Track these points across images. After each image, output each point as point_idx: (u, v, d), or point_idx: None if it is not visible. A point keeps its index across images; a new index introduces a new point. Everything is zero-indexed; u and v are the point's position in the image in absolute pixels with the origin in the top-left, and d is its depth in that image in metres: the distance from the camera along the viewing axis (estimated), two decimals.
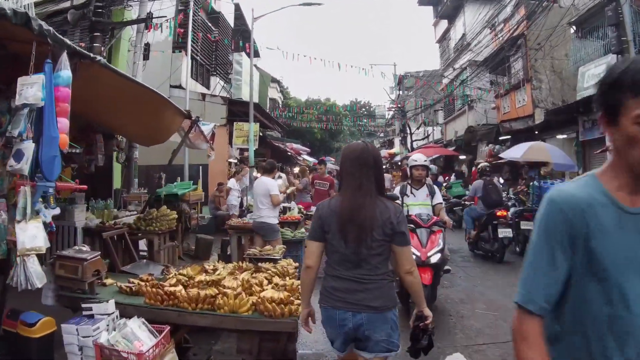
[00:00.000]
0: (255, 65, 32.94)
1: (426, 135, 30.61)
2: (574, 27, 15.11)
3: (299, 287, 3.23)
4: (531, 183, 11.35)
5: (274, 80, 34.46)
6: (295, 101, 40.42)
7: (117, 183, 10.56)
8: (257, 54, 29.79)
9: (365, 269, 2.58)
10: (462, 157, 22.05)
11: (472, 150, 20.63)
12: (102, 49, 10.27)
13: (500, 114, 19.27)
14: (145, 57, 10.28)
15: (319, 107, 37.17)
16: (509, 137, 17.00)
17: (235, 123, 13.60)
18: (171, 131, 6.77)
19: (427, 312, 2.72)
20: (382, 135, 52.77)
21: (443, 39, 27.75)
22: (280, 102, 36.65)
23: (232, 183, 12.13)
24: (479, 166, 11.32)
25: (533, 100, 16.94)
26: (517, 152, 11.48)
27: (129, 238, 6.07)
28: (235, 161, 15.13)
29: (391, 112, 35.03)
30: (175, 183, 9.34)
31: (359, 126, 49.35)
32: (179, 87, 14.04)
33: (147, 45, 10.44)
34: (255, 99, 15.41)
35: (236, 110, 13.90)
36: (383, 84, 46.12)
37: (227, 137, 13.65)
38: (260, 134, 19.49)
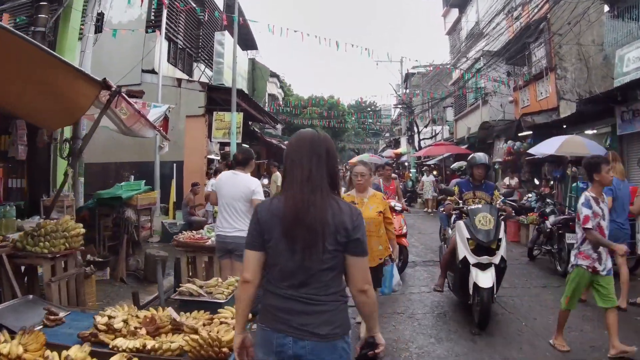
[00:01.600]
0: (253, 59, 31.62)
1: (433, 134, 28.80)
2: (608, 5, 13.23)
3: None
4: (574, 184, 9.50)
5: (273, 75, 32.57)
6: (297, 98, 38.52)
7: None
8: (252, 45, 28.10)
9: (313, 287, 2.06)
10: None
11: (487, 149, 18.70)
12: (48, 19, 8.44)
13: (519, 108, 17.47)
14: (98, 29, 8.37)
15: (322, 105, 35.14)
16: (529, 132, 15.08)
17: (215, 113, 11.70)
18: (80, 106, 4.84)
19: (380, 338, 2.23)
20: (387, 135, 51.08)
21: (453, 29, 25.95)
22: (281, 98, 34.77)
23: (211, 184, 10.18)
24: (452, 166, 11.54)
25: (558, 92, 15.19)
26: (549, 147, 9.73)
27: (7, 262, 4.14)
28: (218, 158, 13.22)
29: (397, 109, 33.12)
30: (123, 183, 7.42)
31: (363, 125, 47.79)
32: (152, 71, 12.16)
33: (100, 15, 8.55)
34: (242, 86, 13.47)
35: (217, 98, 12.00)
36: (389, 79, 44.22)
37: (205, 129, 11.77)
38: (255, 130, 17.57)
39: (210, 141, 11.73)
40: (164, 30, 11.58)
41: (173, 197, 11.65)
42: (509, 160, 16.00)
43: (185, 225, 10.57)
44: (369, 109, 50.69)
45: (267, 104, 28.45)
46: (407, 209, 8.72)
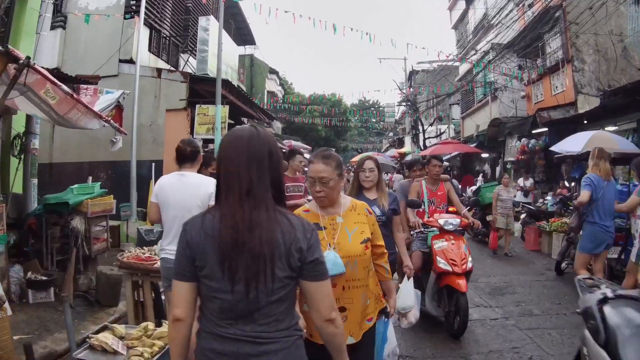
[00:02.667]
0: (251, 55, 30.50)
1: (438, 133, 27.60)
2: None
3: None
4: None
5: (272, 71, 31.38)
6: (298, 97, 37.32)
7: (17, 187, 7.39)
8: (250, 40, 26.95)
9: (261, 324, 1.68)
10: (485, 155, 18.92)
11: (497, 147, 17.53)
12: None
13: (532, 103, 16.31)
14: (57, 8, 7.21)
15: (324, 104, 33.91)
16: (544, 129, 13.89)
17: (198, 106, 10.50)
18: None
19: None
20: (391, 134, 49.96)
21: (460, 22, 24.74)
22: (281, 96, 33.57)
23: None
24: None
25: (575, 85, 14.06)
26: (576, 144, 8.61)
27: None
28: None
29: (401, 107, 31.88)
30: (76, 185, 6.23)
31: (366, 124, 46.82)
32: (131, 61, 11.00)
33: None
34: (233, 80, 12.26)
35: (201, 90, 10.81)
36: (392, 77, 43.13)
37: (187, 124, 10.59)
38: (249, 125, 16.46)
39: (193, 138, 10.55)
40: (142, 16, 10.40)
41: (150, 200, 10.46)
42: (522, 159, 14.81)
43: (162, 233, 9.40)
44: (372, 108, 49.62)
45: (265, 101, 27.26)
46: (474, 225, 5.90)
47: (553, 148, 9.72)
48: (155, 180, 10.26)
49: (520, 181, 13.40)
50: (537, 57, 16.44)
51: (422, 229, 5.24)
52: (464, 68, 22.64)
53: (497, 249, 9.78)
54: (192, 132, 10.51)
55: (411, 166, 6.95)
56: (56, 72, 5.91)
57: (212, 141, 10.53)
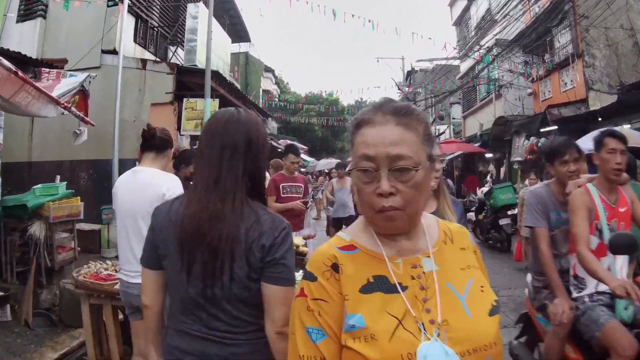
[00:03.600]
0: (246, 53, 29.70)
1: (437, 133, 26.85)
2: None
3: None
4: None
5: (268, 70, 30.59)
6: (294, 96, 36.55)
7: None
8: (245, 37, 26.14)
9: (227, 324, 1.54)
10: (488, 155, 18.19)
11: (502, 146, 16.79)
12: None
13: (539, 100, 15.61)
14: None
15: (320, 103, 33.11)
16: (553, 128, 13.20)
17: (185, 100, 9.69)
18: None
19: None
20: None
21: (461, 19, 23.99)
22: (277, 95, 32.77)
23: (177, 187, 8.19)
24: None
25: (586, 81, 13.45)
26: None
27: None
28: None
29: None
30: (39, 186, 5.41)
31: None
32: (114, 52, 10.20)
33: None
34: (224, 72, 11.44)
35: (189, 83, 9.98)
36: (390, 76, 42.36)
37: (174, 119, 9.75)
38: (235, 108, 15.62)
39: (180, 134, 9.74)
40: (126, 3, 9.57)
41: None
42: (530, 159, 14.10)
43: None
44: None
45: (260, 100, 26.48)
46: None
47: None
48: None
49: (528, 182, 12.62)
50: (544, 52, 15.79)
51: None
52: (465, 66, 22.01)
53: (522, 261, 8.11)
54: (178, 128, 9.70)
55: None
56: (14, 53, 5.10)
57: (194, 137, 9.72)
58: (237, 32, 24.73)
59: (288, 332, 1.21)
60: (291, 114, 32.25)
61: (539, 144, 13.21)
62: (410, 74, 32.29)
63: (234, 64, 28.07)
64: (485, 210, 10.02)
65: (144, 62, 10.27)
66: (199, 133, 9.47)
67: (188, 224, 1.53)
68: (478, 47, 17.33)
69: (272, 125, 31.74)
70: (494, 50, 17.14)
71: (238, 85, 23.90)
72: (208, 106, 9.00)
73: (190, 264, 1.52)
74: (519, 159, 14.64)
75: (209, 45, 9.34)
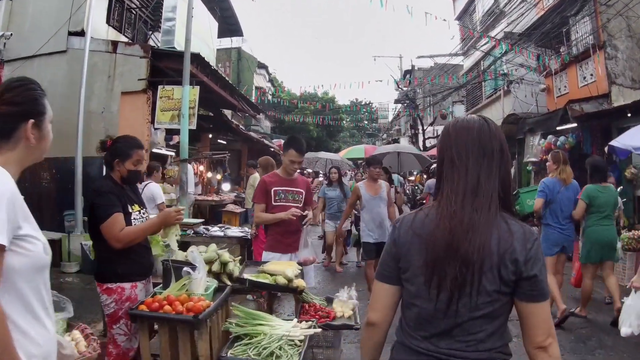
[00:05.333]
0: (238, 49, 28.40)
1: (436, 134, 25.64)
2: None
3: None
4: None
5: (261, 66, 29.28)
6: (288, 95, 35.23)
7: None
8: (237, 32, 24.83)
9: (459, 341, 1.51)
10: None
11: (511, 146, 15.54)
12: None
13: (553, 96, 14.40)
14: None
15: (315, 102, 31.80)
16: (569, 126, 12.00)
17: (160, 87, 8.36)
18: None
19: None
20: (385, 136, 48.28)
21: (465, 12, 22.78)
22: (270, 93, 31.45)
23: (154, 191, 6.75)
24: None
25: (609, 74, 12.21)
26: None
27: None
28: (172, 153, 9.77)
29: (398, 106, 29.92)
30: None
31: (360, 124, 45.31)
32: (82, 33, 8.87)
33: None
34: (210, 60, 10.07)
35: (166, 68, 8.64)
36: (388, 77, 41.31)
37: (147, 110, 8.43)
38: (231, 121, 14.20)
39: (154, 127, 8.41)
40: None
41: None
42: (546, 160, 12.83)
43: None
44: (364, 111, 47.87)
45: (253, 98, 25.18)
46: None
47: (614, 143, 7.66)
48: None
49: None
50: (559, 45, 14.58)
51: None
52: (469, 63, 20.87)
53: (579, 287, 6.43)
54: (152, 120, 8.36)
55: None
56: None
57: (177, 132, 8.35)
58: (229, 25, 23.41)
59: (549, 345, 1.50)
60: (285, 112, 30.98)
61: (559, 143, 11.98)
62: (408, 72, 31.18)
63: (225, 58, 26.86)
64: None
65: (114, 44, 8.93)
66: (176, 126, 8.17)
67: (441, 238, 1.51)
68: (486, 39, 16.05)
69: (266, 125, 30.46)
70: (503, 44, 16.03)
71: (226, 76, 22.64)
72: (187, 94, 7.68)
73: (440, 277, 1.50)
74: (533, 159, 13.41)
75: (189, 24, 8.01)
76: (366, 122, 49.56)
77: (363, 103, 49.18)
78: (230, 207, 10.16)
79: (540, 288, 1.49)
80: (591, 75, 12.79)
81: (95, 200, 2.99)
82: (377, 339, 1.66)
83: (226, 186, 12.48)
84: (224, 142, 15.33)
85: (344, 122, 43.29)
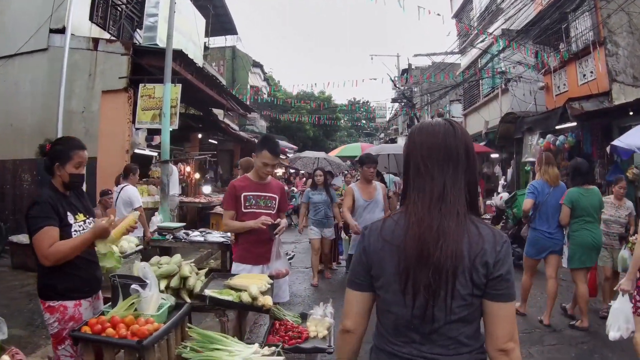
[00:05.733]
0: (233, 47, 28.02)
1: None
2: None
3: None
4: None
5: (256, 65, 28.90)
6: (284, 94, 34.81)
7: None
8: (232, 30, 24.46)
9: (440, 345, 1.53)
10: (494, 155, 16.64)
11: (509, 146, 15.25)
12: None
13: (552, 95, 14.06)
14: None
15: (310, 101, 31.39)
16: (568, 125, 11.68)
17: (141, 86, 8.01)
18: None
19: None
20: (382, 136, 47.92)
21: (462, 10, 22.46)
22: (266, 92, 31.09)
23: (131, 194, 6.42)
24: None
25: (609, 71, 11.88)
26: None
27: None
28: (156, 154, 9.39)
29: (395, 105, 29.58)
30: None
31: (357, 124, 44.99)
32: (63, 31, 8.55)
33: None
34: (196, 58, 9.72)
35: (148, 66, 8.29)
36: (385, 77, 40.96)
37: (128, 109, 8.09)
38: (220, 120, 13.84)
39: (135, 127, 8.06)
40: None
41: None
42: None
43: None
44: (360, 109, 47.57)
45: (248, 97, 24.83)
46: None
47: (616, 143, 7.32)
48: (89, 184, 7.77)
49: None
50: (558, 42, 14.24)
51: None
52: (466, 61, 20.51)
53: (596, 296, 6.06)
54: (134, 120, 8.01)
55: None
56: None
57: (158, 131, 8.00)
58: (223, 23, 23.08)
59: (511, 349, 1.49)
60: (281, 112, 30.59)
61: (558, 142, 11.64)
62: (406, 71, 30.81)
63: (219, 57, 26.49)
64: (504, 221, 8.39)
65: (95, 41, 8.59)
66: (157, 125, 7.81)
67: (412, 246, 1.50)
68: (484, 35, 15.71)
69: (261, 124, 30.07)
70: (501, 41, 15.70)
71: (223, 80, 22.25)
72: (168, 92, 7.33)
73: (414, 284, 1.50)
74: (532, 159, 13.06)
75: (171, 20, 7.65)
76: (363, 122, 49.21)
77: (360, 102, 48.95)
78: (219, 209, 9.81)
79: (506, 288, 1.50)
80: (591, 72, 12.46)
81: (29, 211, 2.65)
82: (352, 346, 1.67)
83: (207, 188, 11.95)
84: (215, 142, 14.92)
85: (341, 121, 42.83)
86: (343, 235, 8.37)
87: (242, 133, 16.59)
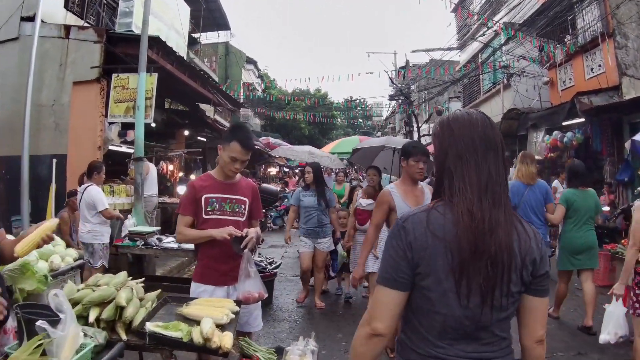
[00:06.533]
0: (226, 43, 27.33)
1: (430, 132, 24.63)
2: None
3: None
4: None
5: (250, 61, 28.18)
6: (280, 92, 34.13)
7: None
8: (224, 25, 23.75)
9: (485, 343, 1.48)
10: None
11: (511, 144, 14.61)
12: None
13: (557, 90, 13.43)
14: None
15: (304, 97, 30.70)
16: (575, 121, 11.08)
17: (114, 76, 7.31)
18: None
19: None
20: (379, 134, 47.40)
21: (462, 3, 21.81)
22: (260, 90, 30.38)
23: (94, 195, 5.73)
24: None
25: (619, 65, 11.27)
26: None
27: None
28: (132, 151, 8.67)
29: (392, 103, 28.93)
30: None
31: (354, 120, 44.50)
32: (34, 19, 7.85)
33: None
34: (176, 45, 9.01)
35: (123, 54, 7.57)
36: (382, 73, 40.32)
37: (101, 102, 7.38)
38: (207, 115, 13.13)
39: (108, 122, 7.36)
40: None
41: (51, 212, 7.24)
42: (552, 158, 11.94)
43: None
44: (358, 109, 47.04)
45: (241, 92, 24.12)
46: None
47: (638, 137, 6.68)
48: (59, 183, 7.07)
49: (557, 184, 10.50)
50: (563, 34, 13.60)
51: None
52: (465, 57, 19.92)
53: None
54: (106, 113, 7.31)
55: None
56: None
57: (132, 126, 7.27)
58: (215, 18, 22.38)
59: (544, 337, 1.53)
60: (276, 109, 29.91)
61: (565, 139, 10.99)
62: (403, 69, 30.21)
63: (212, 53, 25.77)
64: None
65: (67, 28, 7.87)
66: (131, 120, 7.10)
67: (466, 237, 1.40)
68: (486, 27, 15.10)
69: (255, 122, 29.39)
70: (505, 31, 15.07)
71: (215, 77, 21.54)
72: (143, 83, 6.63)
73: (468, 282, 1.40)
74: (537, 157, 12.43)
75: (147, 3, 6.94)
76: (360, 120, 48.59)
77: (357, 101, 48.36)
78: None
79: (547, 284, 1.52)
80: (599, 66, 11.85)
81: None
82: (377, 352, 1.54)
83: (182, 189, 11.00)
84: (204, 140, 14.16)
85: (337, 119, 42.23)
86: (339, 247, 6.61)
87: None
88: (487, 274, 1.38)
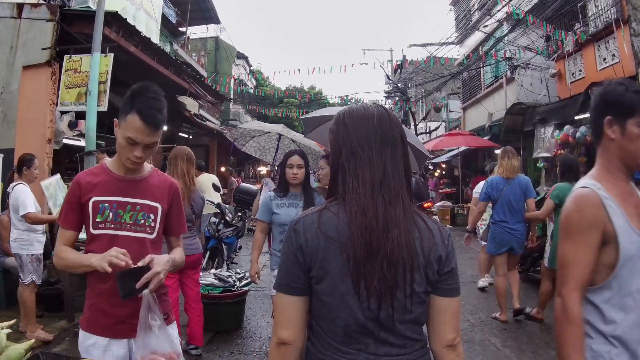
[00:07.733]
0: (216, 37, 26.34)
1: (428, 130, 23.70)
2: None
3: None
4: None
5: (241, 56, 27.19)
6: (272, 88, 33.18)
7: None
8: (214, 19, 22.79)
9: (396, 346, 1.37)
10: (497, 150, 15.06)
11: (516, 140, 13.72)
12: None
13: (566, 82, 12.51)
14: None
15: (295, 92, 29.72)
16: (585, 116, 10.15)
17: (66, 58, 6.32)
18: None
19: None
20: None
21: None
22: (252, 86, 29.40)
23: (19, 195, 4.74)
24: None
25: (635, 53, 10.43)
26: None
27: None
28: (101, 142, 7.68)
29: (389, 100, 28.04)
30: None
31: None
32: None
33: None
34: (144, 25, 7.99)
35: (79, 34, 6.57)
36: (378, 72, 39.57)
37: (52, 88, 6.39)
38: (186, 109, 12.13)
39: (59, 110, 6.36)
40: None
41: None
42: (561, 155, 10.99)
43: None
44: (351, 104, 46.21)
45: (233, 90, 23.19)
46: None
47: None
48: (4, 181, 6.04)
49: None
50: (572, 22, 12.71)
51: None
52: (464, 51, 19.05)
53: None
54: (57, 101, 6.31)
55: None
56: None
57: (83, 115, 6.26)
58: (203, 12, 21.43)
59: (457, 343, 1.41)
60: (269, 106, 28.99)
61: (578, 135, 10.07)
62: (400, 67, 29.32)
63: (200, 48, 24.82)
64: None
65: (20, 7, 6.87)
66: (82, 108, 6.10)
67: (359, 236, 1.30)
68: (487, 17, 14.18)
69: (246, 119, 28.43)
70: (505, 25, 14.20)
71: (204, 73, 20.55)
72: (96, 64, 5.64)
73: (365, 283, 1.31)
74: (545, 154, 11.50)
75: None
76: None
77: (353, 100, 47.43)
78: None
79: (455, 282, 1.42)
80: (613, 56, 10.94)
81: None
82: (295, 358, 1.37)
83: None
84: (186, 136, 13.07)
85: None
86: None
87: (208, 123, 13.96)
88: (382, 274, 1.29)
